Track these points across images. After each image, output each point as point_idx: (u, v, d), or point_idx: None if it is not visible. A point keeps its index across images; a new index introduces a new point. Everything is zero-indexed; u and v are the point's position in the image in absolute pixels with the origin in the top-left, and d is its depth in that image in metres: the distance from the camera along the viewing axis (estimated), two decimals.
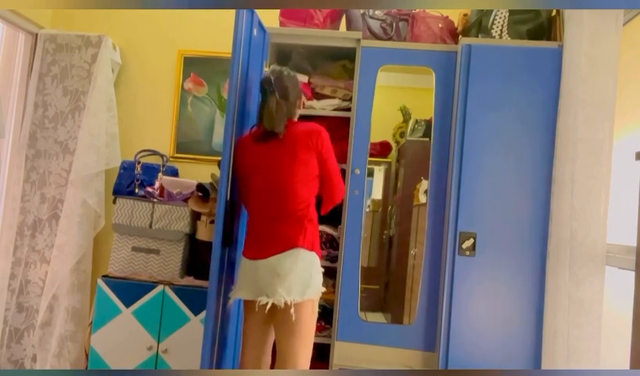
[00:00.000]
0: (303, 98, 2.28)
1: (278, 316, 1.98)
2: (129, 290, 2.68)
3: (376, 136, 2.76)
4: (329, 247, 2.64)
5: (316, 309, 2.05)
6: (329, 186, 2.09)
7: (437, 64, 2.49)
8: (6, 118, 3.03)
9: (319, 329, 2.54)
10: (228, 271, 2.19)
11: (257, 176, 2.08)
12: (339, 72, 2.76)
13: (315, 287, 2.00)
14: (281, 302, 1.91)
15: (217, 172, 2.76)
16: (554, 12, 2.46)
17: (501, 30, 2.44)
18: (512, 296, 2.30)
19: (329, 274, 2.63)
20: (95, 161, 2.94)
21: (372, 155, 2.57)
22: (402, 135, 3.06)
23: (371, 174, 2.94)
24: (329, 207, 2.16)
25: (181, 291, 2.65)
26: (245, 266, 2.06)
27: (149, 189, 2.85)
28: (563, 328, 2.16)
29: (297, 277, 1.95)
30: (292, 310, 1.91)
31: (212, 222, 2.65)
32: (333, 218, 2.56)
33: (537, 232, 2.29)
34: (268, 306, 1.93)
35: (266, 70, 2.59)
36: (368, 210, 2.96)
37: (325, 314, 2.59)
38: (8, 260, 3.00)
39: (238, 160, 2.13)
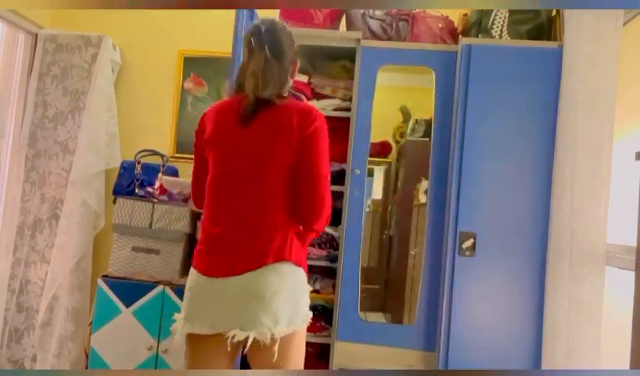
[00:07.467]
0: (297, 73, 1.77)
1: (256, 355, 1.48)
2: (129, 290, 2.68)
3: (376, 136, 2.75)
4: (329, 247, 2.64)
5: (304, 342, 1.58)
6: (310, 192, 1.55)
7: (437, 64, 2.48)
8: (6, 118, 3.03)
9: (319, 329, 2.54)
10: None
11: (230, 161, 1.56)
12: (339, 72, 2.76)
13: (305, 314, 1.54)
14: (266, 336, 1.42)
15: None
16: (554, 12, 2.46)
17: (501, 30, 2.44)
18: (512, 296, 2.30)
19: (329, 274, 2.63)
20: (95, 161, 2.94)
21: (371, 155, 2.57)
22: (402, 135, 3.06)
23: (371, 174, 2.93)
24: (310, 228, 1.61)
25: (181, 291, 2.62)
26: (200, 286, 1.52)
27: (149, 189, 2.85)
28: (563, 328, 2.15)
29: (285, 301, 1.46)
30: (275, 347, 1.43)
31: None
32: (333, 218, 2.55)
33: (537, 232, 2.29)
34: (249, 342, 1.42)
35: None
36: (368, 210, 2.96)
37: (325, 314, 2.59)
38: (9, 260, 3.00)
39: (201, 135, 1.64)
